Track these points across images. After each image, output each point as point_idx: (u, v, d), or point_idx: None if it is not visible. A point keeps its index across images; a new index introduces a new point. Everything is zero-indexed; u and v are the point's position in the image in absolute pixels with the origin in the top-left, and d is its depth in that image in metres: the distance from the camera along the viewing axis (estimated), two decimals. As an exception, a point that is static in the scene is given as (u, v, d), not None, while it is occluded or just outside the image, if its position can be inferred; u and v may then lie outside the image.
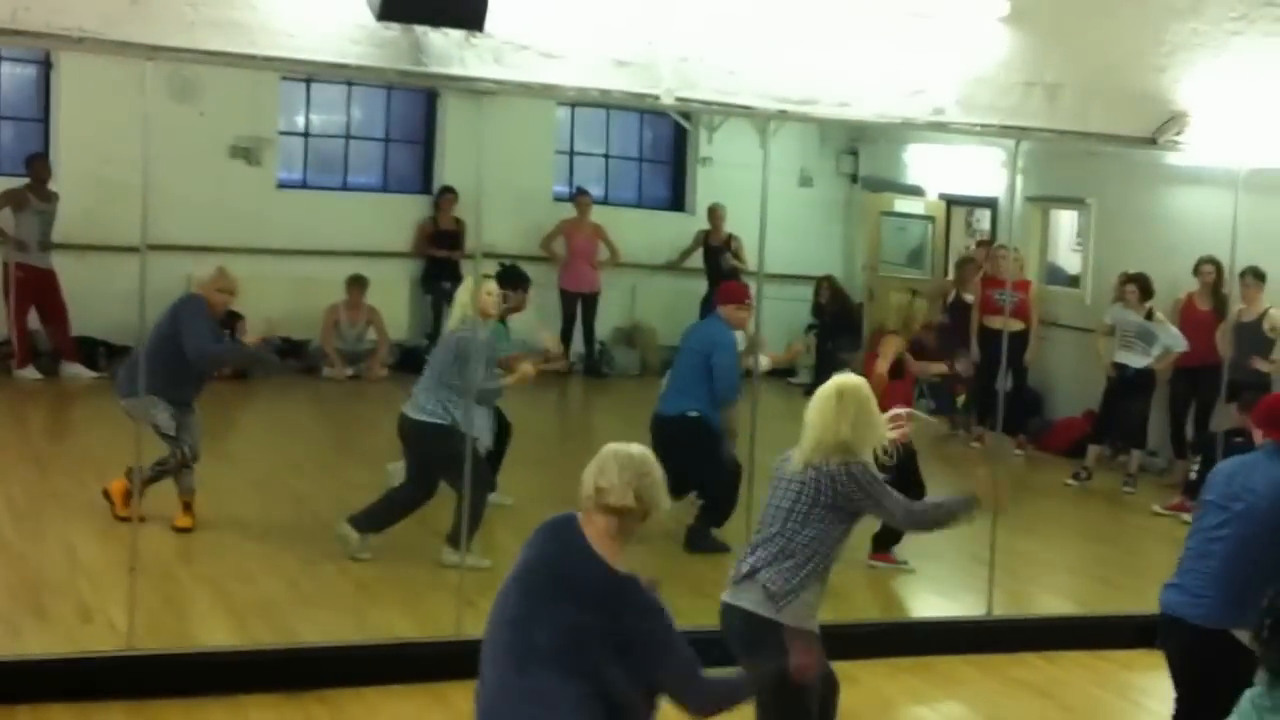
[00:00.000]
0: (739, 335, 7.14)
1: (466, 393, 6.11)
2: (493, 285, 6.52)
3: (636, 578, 3.20)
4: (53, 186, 10.37)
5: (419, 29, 5.31)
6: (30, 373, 10.23)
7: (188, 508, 6.63)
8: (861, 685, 5.16)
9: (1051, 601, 7.04)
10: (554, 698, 3.08)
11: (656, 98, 5.81)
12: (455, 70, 5.47)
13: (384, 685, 5.20)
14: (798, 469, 4.05)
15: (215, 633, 5.49)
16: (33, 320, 10.36)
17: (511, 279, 7.29)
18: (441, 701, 5.14)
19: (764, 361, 7.00)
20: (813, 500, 4.00)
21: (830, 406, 4.08)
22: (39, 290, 10.26)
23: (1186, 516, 8.16)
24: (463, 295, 6.46)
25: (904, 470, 6.54)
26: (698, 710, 3.27)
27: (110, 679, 4.96)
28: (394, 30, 5.29)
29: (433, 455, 6.32)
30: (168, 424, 6.41)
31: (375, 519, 6.42)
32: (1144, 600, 6.76)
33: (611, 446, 3.30)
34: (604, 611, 3.13)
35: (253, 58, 5.28)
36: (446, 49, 5.40)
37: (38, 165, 10.38)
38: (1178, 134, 6.54)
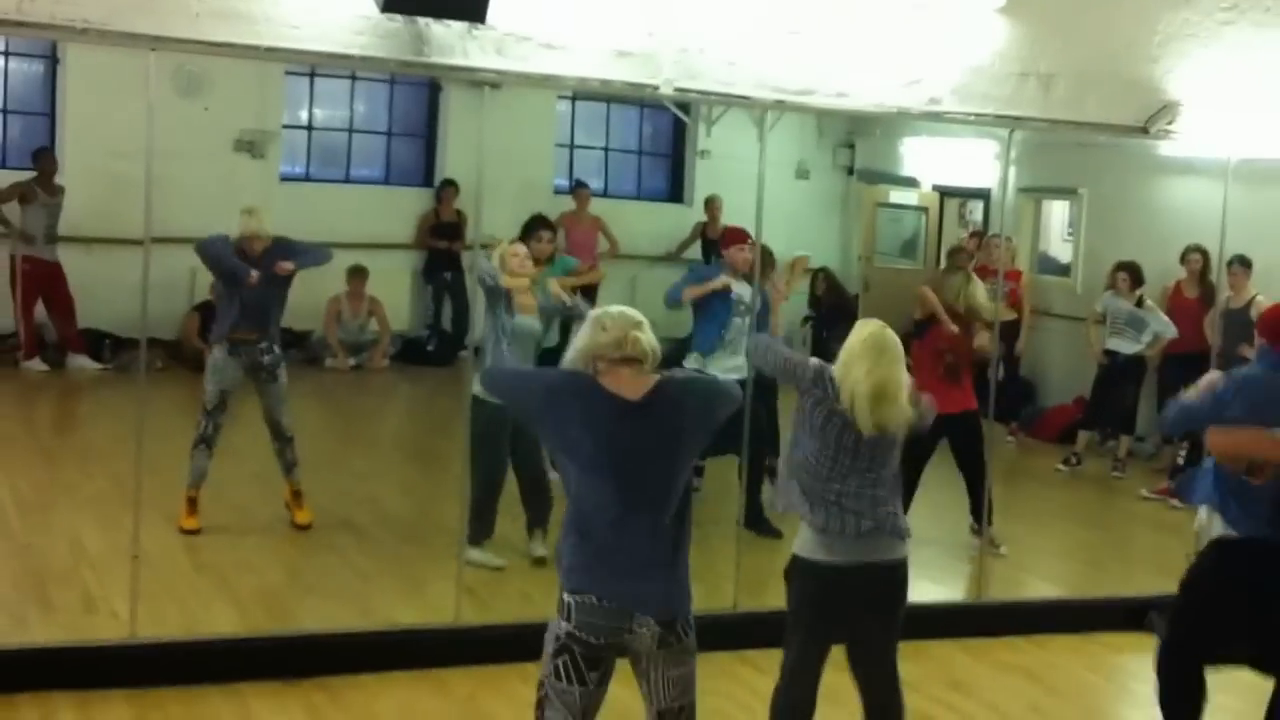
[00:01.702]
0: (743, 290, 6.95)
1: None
2: (517, 247, 6.31)
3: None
4: (59, 180, 10.28)
5: (422, 20, 5.25)
6: (37, 364, 10.15)
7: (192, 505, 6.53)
8: (846, 666, 5.09)
9: (1041, 586, 6.98)
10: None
11: (656, 88, 5.73)
12: (458, 61, 5.40)
13: (384, 672, 5.12)
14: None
15: (217, 621, 5.41)
16: (39, 313, 10.29)
17: (531, 226, 6.96)
18: (441, 688, 5.08)
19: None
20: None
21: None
22: (45, 283, 10.19)
23: (1175, 502, 8.18)
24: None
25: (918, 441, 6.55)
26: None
27: (113, 667, 4.89)
28: (397, 22, 5.22)
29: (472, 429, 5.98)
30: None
31: (540, 514, 6.29)
32: (1132, 583, 6.77)
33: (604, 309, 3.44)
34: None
35: (256, 49, 5.20)
36: (449, 40, 5.33)
37: (44, 159, 10.31)
38: (1169, 124, 6.49)
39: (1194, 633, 4.45)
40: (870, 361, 3.90)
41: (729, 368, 6.71)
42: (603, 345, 3.37)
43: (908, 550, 4.10)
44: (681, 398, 3.41)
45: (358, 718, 4.78)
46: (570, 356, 3.44)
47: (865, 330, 3.99)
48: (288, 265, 6.52)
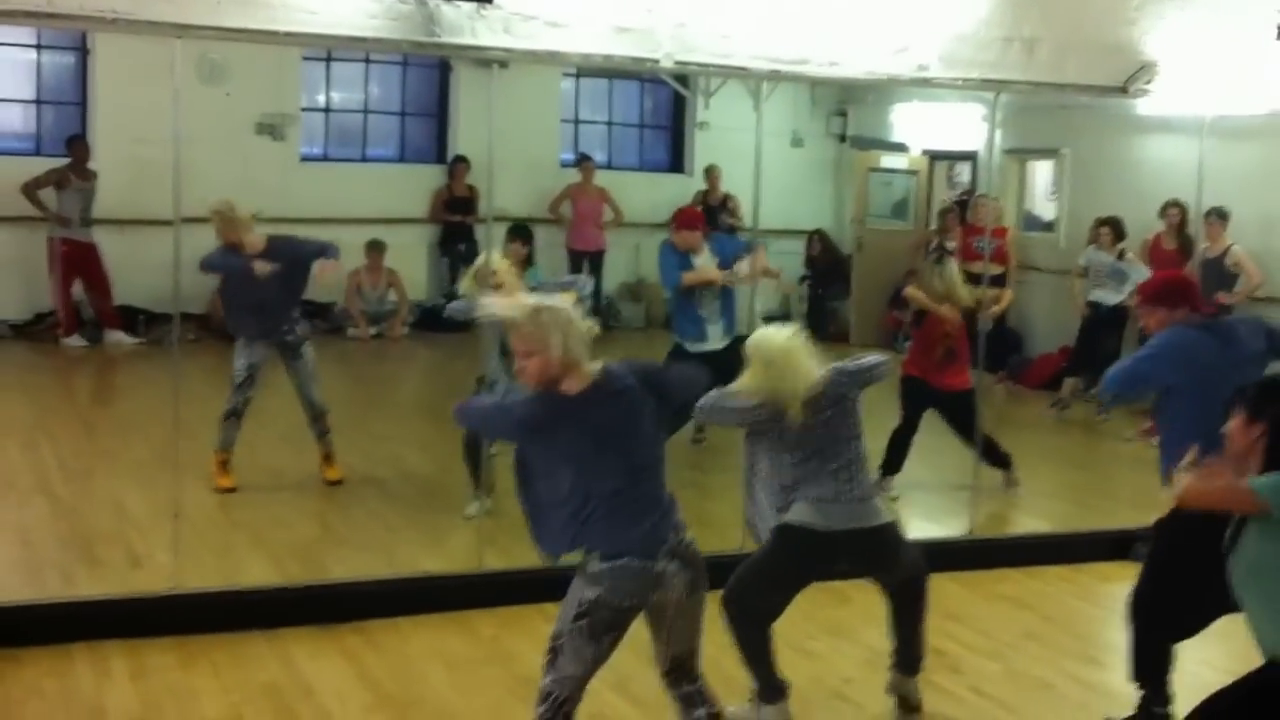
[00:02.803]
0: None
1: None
2: (499, 260, 6.08)
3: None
4: (91, 166, 10.30)
5: (432, 2, 5.25)
6: (76, 341, 10.21)
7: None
8: (854, 602, 5.16)
9: (1031, 522, 7.04)
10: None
11: (656, 62, 5.73)
12: (466, 40, 5.40)
13: (413, 615, 5.19)
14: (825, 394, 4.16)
15: (255, 572, 5.48)
16: (77, 291, 10.34)
17: (519, 232, 7.09)
18: (466, 628, 5.16)
19: (742, 268, 7.12)
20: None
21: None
22: (82, 263, 10.23)
23: (1155, 441, 8.21)
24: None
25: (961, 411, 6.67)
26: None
27: (159, 617, 4.96)
28: (408, 4, 5.22)
29: None
30: None
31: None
32: (1117, 518, 6.82)
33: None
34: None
35: (275, 34, 5.20)
36: (458, 20, 5.33)
37: (77, 146, 10.33)
38: (1147, 83, 6.47)
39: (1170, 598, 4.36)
40: (771, 372, 4.14)
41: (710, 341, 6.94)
42: (553, 364, 3.34)
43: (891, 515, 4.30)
44: (624, 373, 3.45)
45: (390, 658, 4.85)
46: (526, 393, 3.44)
47: (759, 349, 4.20)
48: (265, 267, 6.31)
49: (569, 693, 3.40)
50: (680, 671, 3.55)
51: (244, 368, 6.48)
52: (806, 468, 4.16)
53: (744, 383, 4.20)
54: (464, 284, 6.28)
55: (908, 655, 4.45)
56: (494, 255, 6.04)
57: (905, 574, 4.34)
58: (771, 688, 4.28)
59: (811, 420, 4.15)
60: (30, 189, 10.07)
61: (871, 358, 4.40)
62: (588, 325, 3.40)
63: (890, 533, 4.29)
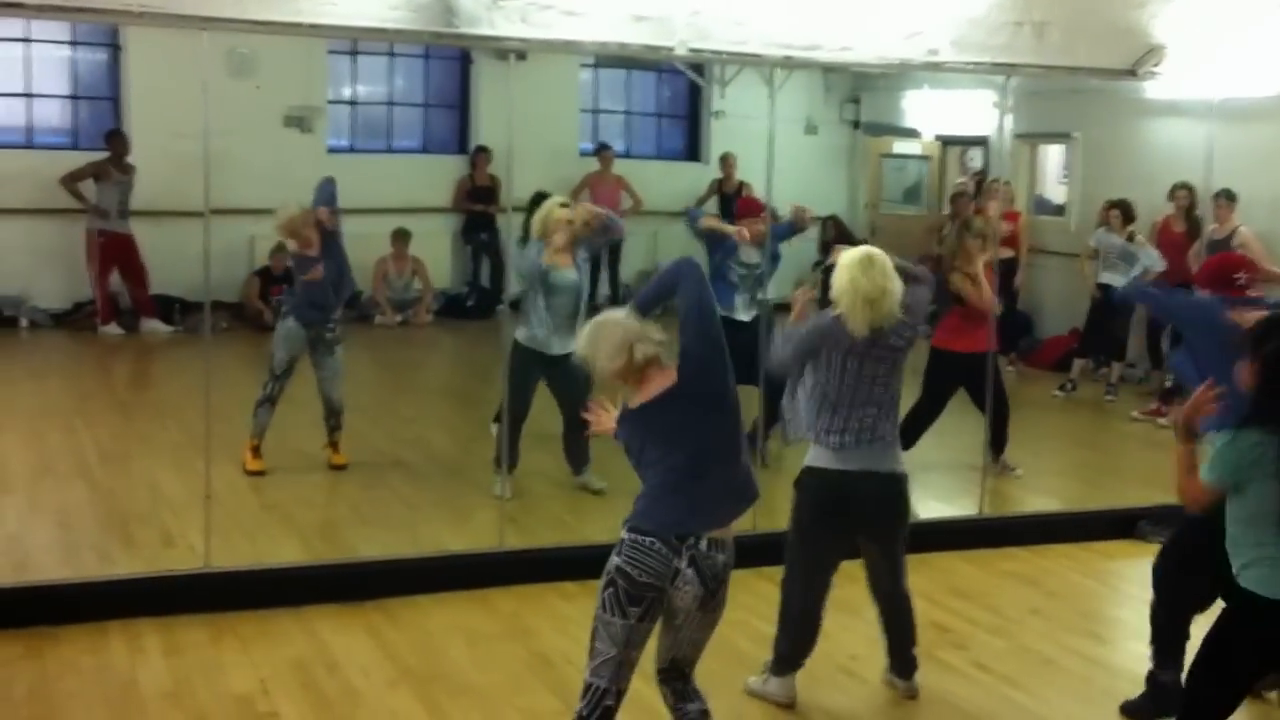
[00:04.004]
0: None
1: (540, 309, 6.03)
2: (560, 210, 6.17)
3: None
4: (129, 159, 10.31)
5: (451, -7, 5.23)
6: (113, 329, 10.25)
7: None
8: (860, 580, 5.08)
9: (1038, 501, 6.97)
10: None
11: (671, 49, 5.68)
12: (484, 31, 5.36)
13: (435, 593, 5.19)
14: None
15: (284, 552, 5.49)
16: (114, 281, 10.38)
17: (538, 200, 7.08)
18: (486, 605, 5.15)
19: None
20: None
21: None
22: (120, 254, 10.27)
23: (1163, 421, 8.15)
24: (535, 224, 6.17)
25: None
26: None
27: (191, 595, 4.98)
28: (428, -5, 5.20)
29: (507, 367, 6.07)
30: None
31: (580, 453, 6.25)
32: (1124, 496, 6.75)
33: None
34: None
35: (299, 25, 5.18)
36: (476, 11, 5.30)
37: (116, 140, 10.33)
38: (1156, 66, 6.38)
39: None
40: (859, 270, 4.03)
41: (737, 311, 6.82)
42: (619, 371, 3.34)
43: (904, 467, 4.20)
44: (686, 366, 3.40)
45: (413, 634, 4.85)
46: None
47: (853, 251, 4.11)
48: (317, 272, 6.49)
49: (607, 683, 3.30)
50: (675, 671, 3.47)
51: (285, 360, 6.50)
52: (844, 392, 4.08)
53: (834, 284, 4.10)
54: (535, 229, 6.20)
55: (902, 660, 4.44)
56: (551, 206, 6.15)
57: (898, 545, 4.27)
58: (781, 659, 4.26)
59: (864, 348, 4.06)
60: (70, 181, 10.10)
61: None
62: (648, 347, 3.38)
63: (899, 484, 4.19)
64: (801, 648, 4.30)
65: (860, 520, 4.21)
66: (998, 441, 6.93)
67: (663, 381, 3.35)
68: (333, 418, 6.69)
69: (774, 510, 5.62)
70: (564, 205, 6.26)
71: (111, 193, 10.19)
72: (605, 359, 3.34)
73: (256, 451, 6.53)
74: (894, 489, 4.19)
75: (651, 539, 3.28)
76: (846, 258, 4.09)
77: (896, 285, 4.06)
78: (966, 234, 6.92)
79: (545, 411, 6.36)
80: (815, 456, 4.18)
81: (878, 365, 4.11)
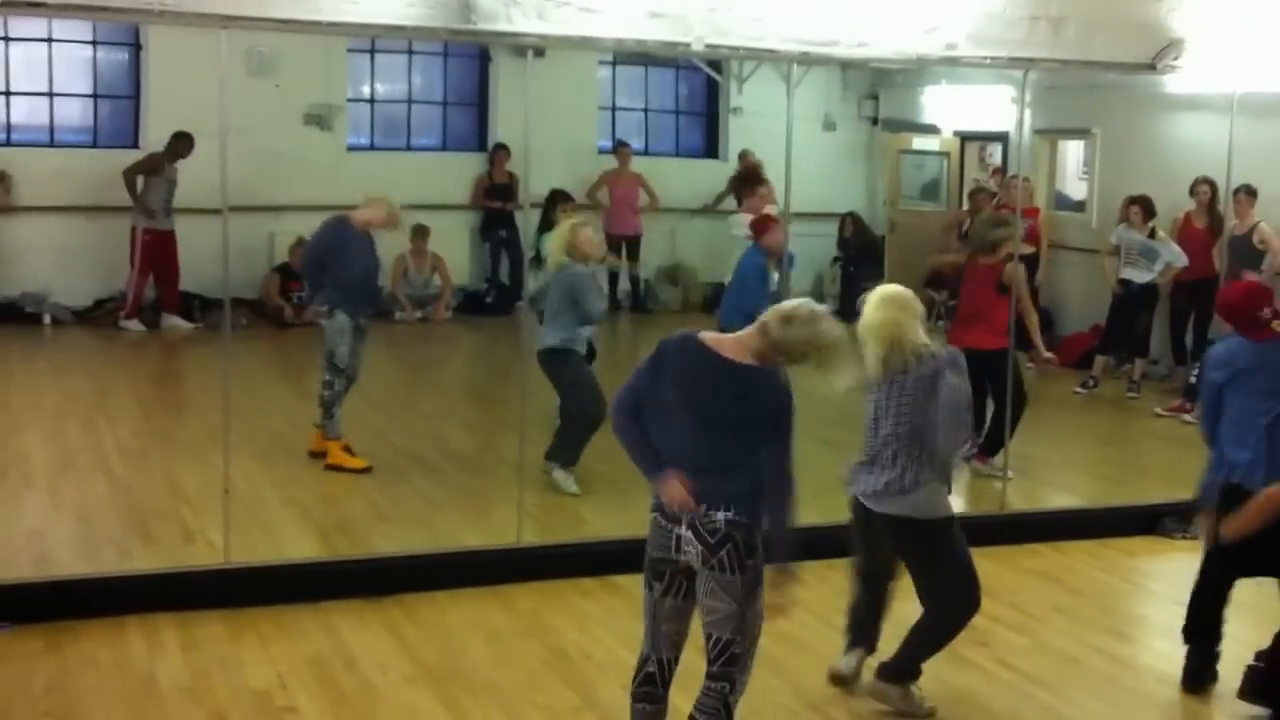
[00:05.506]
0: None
1: (586, 319, 6.22)
2: (589, 231, 6.37)
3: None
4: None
5: (469, -11, 5.21)
6: (134, 325, 10.28)
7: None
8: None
9: (1061, 498, 6.91)
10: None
11: (688, 45, 5.66)
12: (502, 27, 5.35)
13: (454, 590, 5.18)
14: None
15: (302, 548, 5.49)
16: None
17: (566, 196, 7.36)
18: (503, 601, 5.14)
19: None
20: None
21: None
22: (162, 251, 10.25)
23: (1187, 417, 8.06)
24: (554, 243, 6.31)
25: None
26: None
27: (209, 591, 4.98)
28: (446, -8, 5.19)
29: (563, 376, 6.27)
30: None
31: (569, 449, 6.30)
32: (1146, 493, 6.69)
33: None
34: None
35: (317, 23, 5.18)
36: (494, 8, 5.29)
37: (181, 142, 9.98)
38: (1175, 59, 6.32)
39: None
40: (873, 306, 4.09)
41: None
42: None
43: (914, 508, 4.12)
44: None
45: (431, 630, 4.84)
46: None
47: (878, 289, 4.17)
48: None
49: (646, 649, 3.50)
50: (709, 649, 3.44)
51: (349, 352, 6.54)
52: (871, 424, 4.17)
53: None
54: (552, 250, 6.34)
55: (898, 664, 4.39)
56: (583, 229, 6.34)
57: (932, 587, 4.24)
58: (855, 640, 4.37)
59: (880, 388, 4.10)
60: (131, 173, 10.08)
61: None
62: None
63: (904, 529, 4.14)
64: (863, 625, 4.39)
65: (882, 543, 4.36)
66: (999, 440, 6.81)
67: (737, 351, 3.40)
68: (349, 388, 6.72)
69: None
70: (581, 223, 6.43)
71: (159, 190, 10.20)
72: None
73: (350, 450, 6.56)
74: (894, 528, 4.22)
75: (656, 514, 3.45)
76: (872, 295, 4.14)
77: (913, 324, 4.08)
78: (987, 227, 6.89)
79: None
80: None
81: (896, 401, 4.13)
